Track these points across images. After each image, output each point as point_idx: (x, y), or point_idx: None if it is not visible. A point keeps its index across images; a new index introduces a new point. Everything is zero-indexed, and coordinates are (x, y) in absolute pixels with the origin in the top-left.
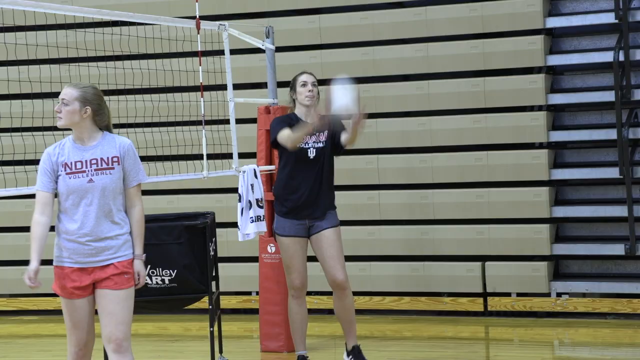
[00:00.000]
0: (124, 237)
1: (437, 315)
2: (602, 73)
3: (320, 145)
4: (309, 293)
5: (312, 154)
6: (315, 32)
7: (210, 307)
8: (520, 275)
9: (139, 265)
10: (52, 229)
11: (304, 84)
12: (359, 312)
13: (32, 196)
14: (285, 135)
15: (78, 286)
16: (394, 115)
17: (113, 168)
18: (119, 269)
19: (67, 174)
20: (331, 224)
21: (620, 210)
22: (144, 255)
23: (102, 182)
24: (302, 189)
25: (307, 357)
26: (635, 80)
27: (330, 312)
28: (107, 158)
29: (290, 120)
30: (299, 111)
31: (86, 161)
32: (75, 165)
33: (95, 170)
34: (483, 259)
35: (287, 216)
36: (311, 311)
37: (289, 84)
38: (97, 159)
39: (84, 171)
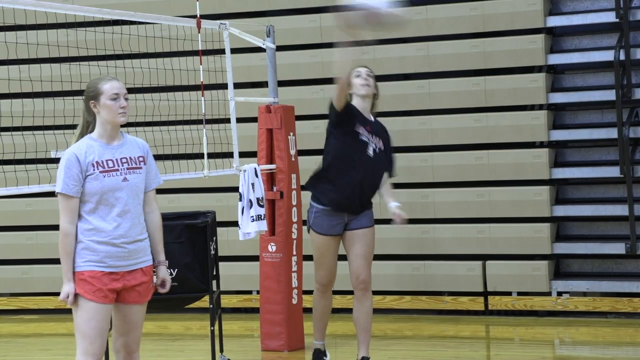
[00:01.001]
0: (147, 240)
1: (438, 314)
2: (603, 72)
3: (376, 148)
4: (309, 292)
5: (371, 152)
6: (316, 31)
7: (211, 306)
8: (521, 274)
9: (165, 271)
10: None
11: (358, 75)
12: None
13: (33, 195)
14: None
15: (112, 289)
16: (394, 114)
17: (141, 168)
18: (147, 275)
19: (100, 172)
20: (369, 224)
21: (621, 209)
22: (167, 261)
23: (134, 181)
24: (352, 185)
25: (324, 350)
26: (636, 79)
27: (332, 311)
28: (135, 157)
29: (355, 110)
30: (355, 102)
31: (117, 160)
32: (108, 164)
33: (127, 169)
34: (484, 258)
35: (326, 212)
36: (310, 310)
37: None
38: (127, 158)
39: (117, 169)
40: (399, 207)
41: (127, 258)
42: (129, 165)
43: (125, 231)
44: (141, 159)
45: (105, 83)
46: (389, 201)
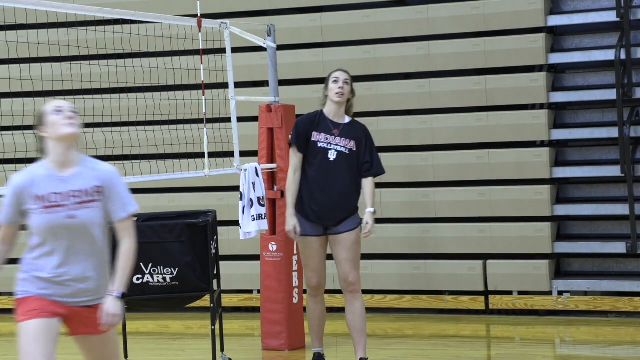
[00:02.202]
0: (100, 280)
1: (439, 314)
2: (604, 71)
3: (343, 150)
4: None
5: (332, 156)
6: (317, 30)
7: (212, 305)
8: (522, 273)
9: (110, 303)
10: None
11: (336, 80)
12: None
13: None
14: (289, 178)
15: (54, 310)
16: (395, 113)
17: (96, 201)
18: (96, 311)
19: (43, 207)
20: (352, 226)
21: (622, 209)
22: (120, 292)
23: (85, 217)
24: (323, 193)
25: (323, 354)
26: (637, 78)
27: (332, 310)
28: (89, 189)
29: (312, 123)
30: (327, 109)
31: (64, 193)
32: (51, 199)
33: (77, 203)
34: (484, 257)
35: (308, 218)
36: None
37: (323, 82)
38: (78, 191)
39: (63, 205)
40: (372, 216)
41: (71, 296)
42: (79, 199)
43: (68, 269)
44: (98, 189)
45: (48, 105)
46: (367, 205)
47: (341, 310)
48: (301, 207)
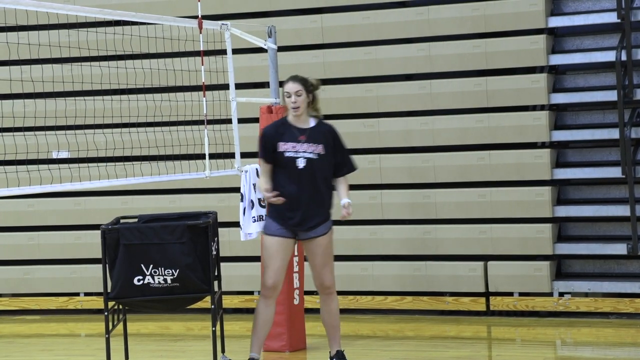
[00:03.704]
0: None
1: (440, 315)
2: (605, 72)
3: (311, 156)
4: (311, 292)
5: (301, 164)
6: (318, 31)
7: (213, 306)
8: (523, 274)
9: None
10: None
11: (288, 95)
12: (361, 311)
13: (35, 196)
14: (260, 180)
15: None
16: (396, 114)
17: None
18: None
19: None
20: (323, 231)
21: (623, 210)
22: None
23: None
24: (293, 202)
25: None
26: (638, 79)
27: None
28: None
29: (277, 133)
30: (290, 117)
31: None
32: None
33: None
34: (485, 258)
35: (276, 220)
36: (312, 310)
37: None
38: None
39: None
40: (348, 204)
41: None
42: None
43: None
44: None
45: None
46: (341, 198)
47: None
48: (271, 209)
